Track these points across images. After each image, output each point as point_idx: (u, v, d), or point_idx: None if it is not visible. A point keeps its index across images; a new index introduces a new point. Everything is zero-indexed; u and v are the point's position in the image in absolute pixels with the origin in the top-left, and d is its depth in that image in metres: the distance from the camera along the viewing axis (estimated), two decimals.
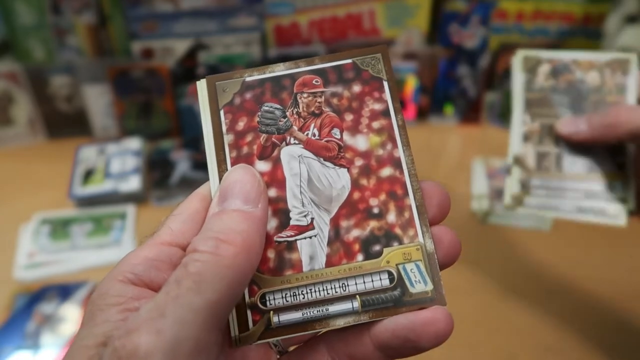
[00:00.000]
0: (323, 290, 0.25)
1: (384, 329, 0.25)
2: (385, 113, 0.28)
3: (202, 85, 0.28)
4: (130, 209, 0.78)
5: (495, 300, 0.62)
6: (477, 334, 0.58)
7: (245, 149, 0.27)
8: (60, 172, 0.82)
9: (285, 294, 0.25)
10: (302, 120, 0.27)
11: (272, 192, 0.26)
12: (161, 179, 0.82)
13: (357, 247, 0.26)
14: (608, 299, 0.62)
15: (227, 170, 0.27)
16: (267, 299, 0.25)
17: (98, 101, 0.90)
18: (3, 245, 0.72)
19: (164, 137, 0.92)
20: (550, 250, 0.69)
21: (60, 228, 0.75)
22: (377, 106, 0.28)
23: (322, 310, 0.25)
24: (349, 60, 0.28)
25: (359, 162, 0.27)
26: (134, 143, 0.86)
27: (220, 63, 0.89)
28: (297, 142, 0.27)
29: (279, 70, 0.28)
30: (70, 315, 0.63)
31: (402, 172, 0.27)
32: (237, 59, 0.90)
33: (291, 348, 0.28)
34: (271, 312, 0.25)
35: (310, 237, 0.26)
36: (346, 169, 0.27)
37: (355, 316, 0.25)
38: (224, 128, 0.27)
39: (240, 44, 0.89)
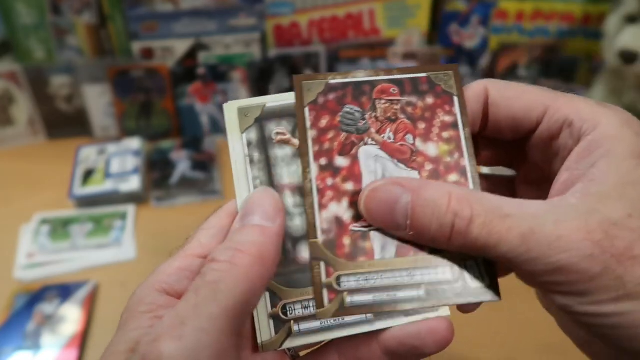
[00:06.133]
0: (392, 277, 0.28)
1: (391, 337, 0.27)
2: (454, 125, 0.30)
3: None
4: (130, 209, 0.78)
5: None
6: (477, 334, 0.58)
7: (326, 145, 0.30)
8: (60, 172, 0.82)
9: (359, 278, 0.28)
10: (379, 124, 0.30)
11: (350, 186, 0.29)
12: (161, 179, 0.82)
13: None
14: None
15: (309, 164, 0.29)
16: (342, 280, 0.28)
17: (98, 101, 0.90)
18: (3, 245, 0.72)
19: (164, 137, 0.92)
20: None
21: (60, 228, 0.75)
22: (447, 118, 0.30)
23: (390, 295, 0.28)
24: (424, 75, 0.31)
25: (428, 166, 0.30)
26: (134, 143, 0.86)
27: (220, 63, 0.89)
28: (374, 143, 0.30)
29: (360, 76, 0.31)
30: (71, 315, 0.63)
31: (466, 179, 0.29)
32: (237, 59, 0.90)
33: (303, 353, 0.30)
34: (345, 292, 0.27)
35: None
36: (417, 172, 0.29)
37: (420, 302, 0.28)
38: (308, 124, 0.30)
39: (240, 44, 0.89)
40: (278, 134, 0.30)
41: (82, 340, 0.61)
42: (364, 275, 0.28)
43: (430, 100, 0.30)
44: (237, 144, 0.30)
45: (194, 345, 0.21)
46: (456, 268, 0.28)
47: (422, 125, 0.30)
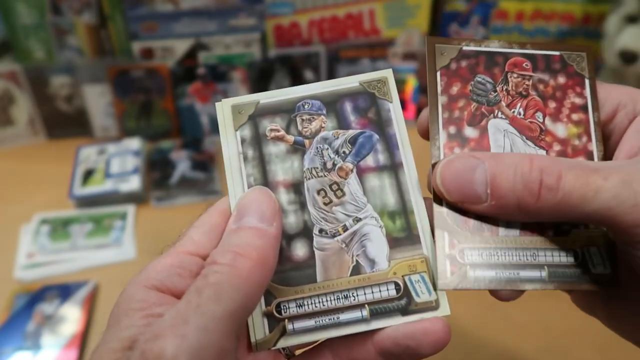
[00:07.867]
0: (516, 255, 0.27)
1: (385, 337, 0.26)
2: (584, 108, 0.30)
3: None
4: (130, 209, 0.78)
5: (496, 300, 0.62)
6: (477, 334, 0.58)
7: (456, 113, 0.29)
8: (60, 172, 0.82)
9: (482, 253, 0.27)
10: (510, 98, 0.30)
11: None
12: (161, 179, 0.82)
13: (549, 224, 0.28)
14: None
15: (438, 131, 0.29)
16: (466, 253, 0.27)
17: (98, 101, 0.90)
18: (3, 245, 0.72)
19: (164, 137, 0.92)
20: None
21: (60, 228, 0.75)
22: (578, 100, 0.30)
23: (514, 273, 0.27)
24: (557, 53, 0.30)
25: (556, 147, 0.29)
26: (134, 143, 0.86)
27: (220, 63, 0.89)
28: (503, 117, 0.29)
29: (494, 46, 0.30)
30: (70, 315, 0.63)
31: None
32: (237, 59, 0.90)
33: (297, 352, 0.29)
34: (468, 266, 0.27)
35: None
36: (545, 151, 0.29)
37: (542, 284, 0.27)
38: (439, 89, 0.29)
39: (240, 44, 0.89)
40: (272, 130, 0.29)
41: (82, 340, 0.61)
42: (488, 250, 0.27)
43: (561, 79, 0.30)
44: (230, 142, 0.29)
45: (196, 344, 0.21)
46: (579, 253, 0.27)
47: (552, 105, 0.30)
